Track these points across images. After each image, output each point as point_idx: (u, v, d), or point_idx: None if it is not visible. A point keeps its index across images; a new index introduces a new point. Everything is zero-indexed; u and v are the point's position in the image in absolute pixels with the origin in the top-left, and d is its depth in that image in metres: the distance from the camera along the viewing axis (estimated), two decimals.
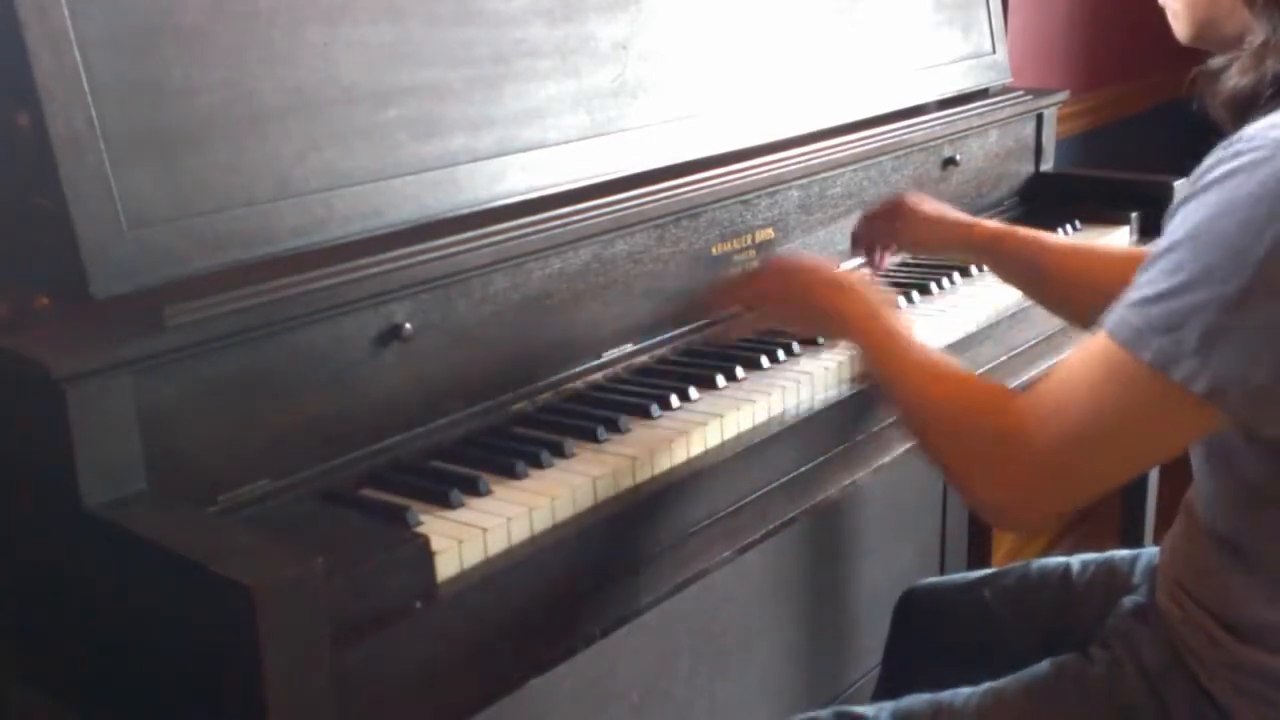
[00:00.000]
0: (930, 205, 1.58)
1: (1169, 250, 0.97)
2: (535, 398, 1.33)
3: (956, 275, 1.72)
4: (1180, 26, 1.18)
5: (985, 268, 1.65)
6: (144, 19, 1.09)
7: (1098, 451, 1.01)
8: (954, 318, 1.60)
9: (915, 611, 1.58)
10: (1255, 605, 1.11)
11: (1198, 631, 1.15)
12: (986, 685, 1.26)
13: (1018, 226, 1.56)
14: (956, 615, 1.51)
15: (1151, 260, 0.99)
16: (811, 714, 1.30)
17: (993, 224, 1.58)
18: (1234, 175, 0.94)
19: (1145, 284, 0.98)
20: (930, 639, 1.55)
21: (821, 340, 1.47)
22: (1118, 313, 0.99)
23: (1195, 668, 1.15)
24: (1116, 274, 1.07)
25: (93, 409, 0.99)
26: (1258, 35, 1.04)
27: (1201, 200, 0.96)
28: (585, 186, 1.40)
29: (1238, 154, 0.96)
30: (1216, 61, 1.09)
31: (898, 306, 1.27)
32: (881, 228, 1.60)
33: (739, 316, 1.46)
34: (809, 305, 1.30)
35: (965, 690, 1.26)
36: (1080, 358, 1.02)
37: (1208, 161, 0.98)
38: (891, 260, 1.69)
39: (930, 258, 1.77)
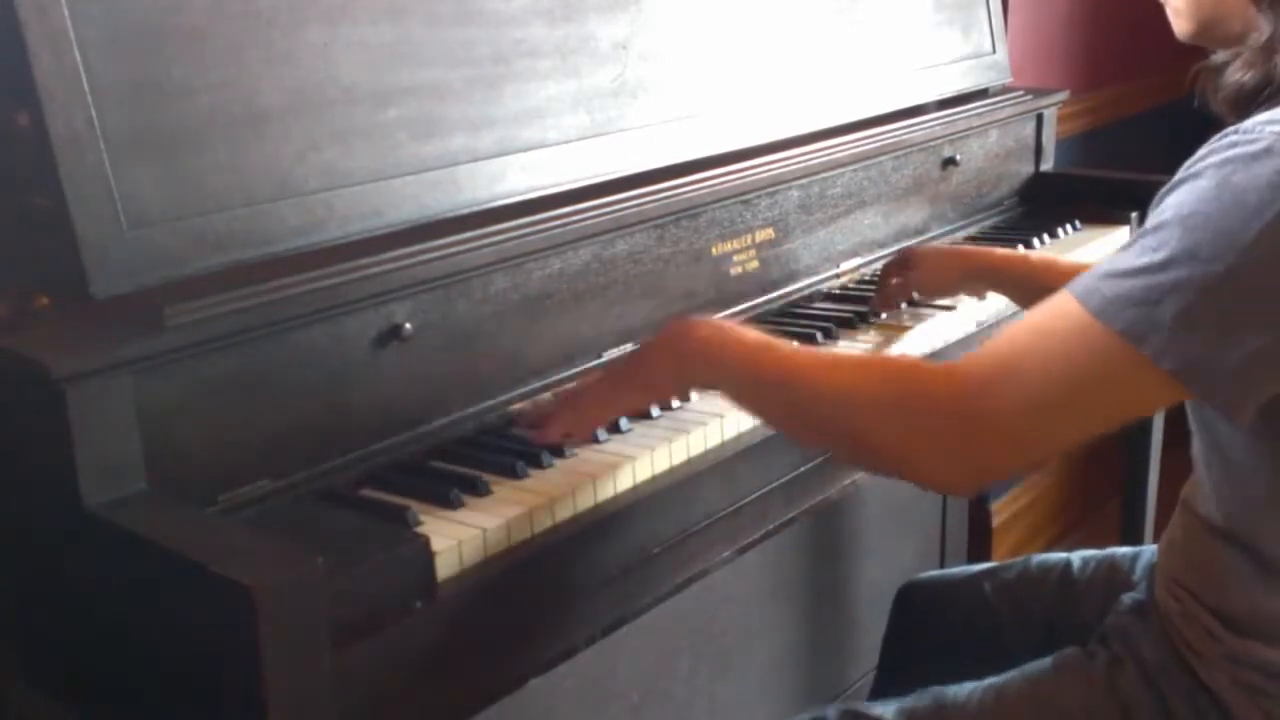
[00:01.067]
0: (932, 247, 1.59)
1: (1155, 229, 0.97)
2: (535, 398, 1.33)
3: None
4: (1181, 24, 1.18)
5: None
6: (144, 19, 1.09)
7: (1059, 415, 0.99)
8: (954, 317, 1.60)
9: (915, 603, 1.58)
10: (1254, 597, 1.11)
11: (1196, 626, 1.15)
12: (989, 681, 1.26)
13: (1027, 253, 1.57)
14: (956, 608, 1.51)
15: (1135, 237, 0.99)
16: (818, 711, 1.30)
17: (1001, 251, 1.59)
18: (1228, 164, 0.95)
19: (1124, 258, 0.98)
20: (929, 631, 1.54)
21: (821, 341, 1.47)
22: (1088, 281, 0.99)
23: (1194, 662, 1.15)
24: None
25: (93, 409, 0.99)
26: (1263, 32, 1.04)
27: (1193, 185, 0.97)
28: (585, 186, 1.40)
29: (1233, 144, 0.96)
30: (1219, 57, 1.09)
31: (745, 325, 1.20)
32: (897, 284, 1.61)
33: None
34: (656, 367, 1.21)
35: (968, 686, 1.26)
36: (1039, 323, 1.00)
37: (1201, 150, 0.99)
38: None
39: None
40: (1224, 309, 0.93)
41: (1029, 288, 1.51)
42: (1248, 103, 1.04)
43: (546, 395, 1.33)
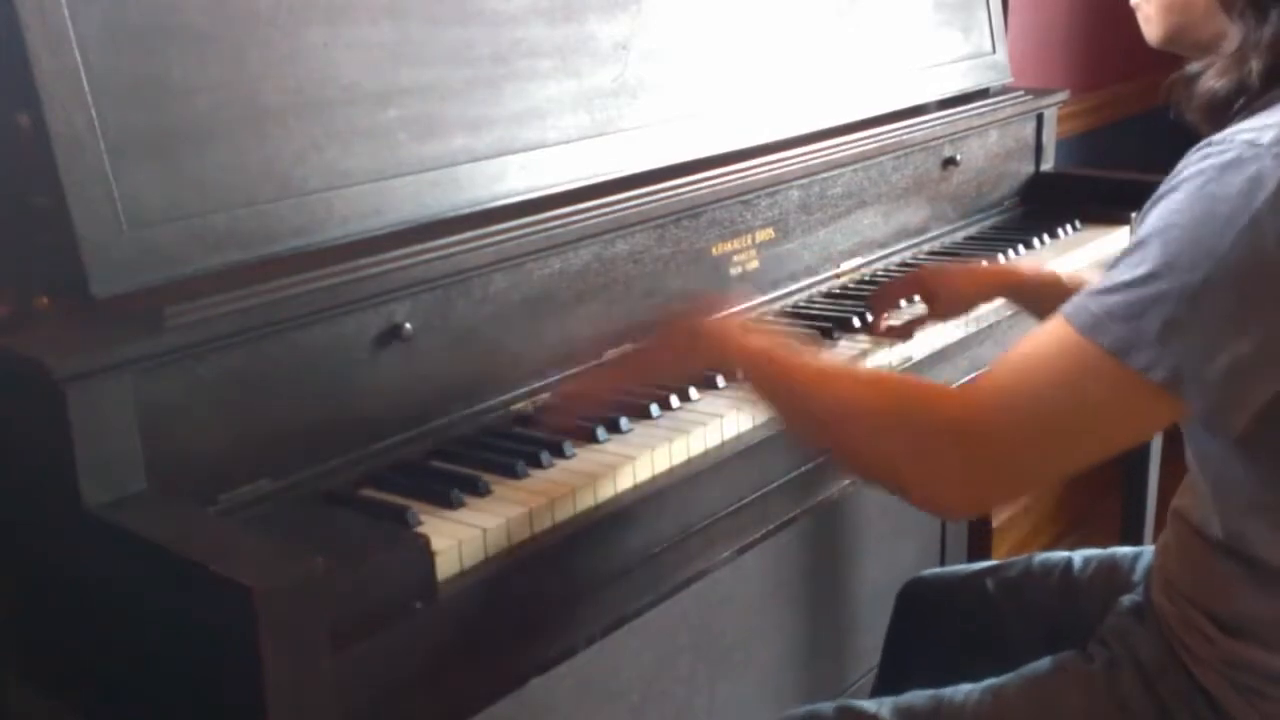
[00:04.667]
0: (952, 268, 1.57)
1: (1137, 245, 0.98)
2: (535, 398, 1.33)
3: None
4: (1152, 30, 1.18)
5: None
6: (144, 19, 1.09)
7: (1054, 438, 1.00)
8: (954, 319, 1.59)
9: (918, 600, 1.58)
10: (1249, 602, 1.11)
11: (1192, 629, 1.15)
12: (987, 682, 1.26)
13: (1040, 267, 1.55)
14: (958, 605, 1.51)
15: (1120, 254, 1.00)
16: (814, 707, 1.30)
17: (1023, 266, 1.56)
18: (1201, 175, 0.96)
19: (1109, 275, 0.99)
20: (932, 628, 1.55)
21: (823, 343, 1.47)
22: (1077, 301, 0.99)
23: (1191, 665, 1.15)
24: None
25: (93, 409, 0.99)
26: (1233, 39, 1.05)
27: (1171, 199, 0.98)
28: (585, 186, 1.40)
29: (1206, 155, 0.97)
30: (1193, 67, 1.09)
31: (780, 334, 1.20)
32: (902, 320, 1.58)
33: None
34: (691, 352, 1.22)
35: (966, 687, 1.26)
36: (1034, 345, 1.01)
37: (1179, 164, 1.00)
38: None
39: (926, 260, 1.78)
40: (1205, 318, 0.94)
41: (1050, 302, 1.49)
42: (1221, 111, 1.05)
43: (547, 396, 1.33)
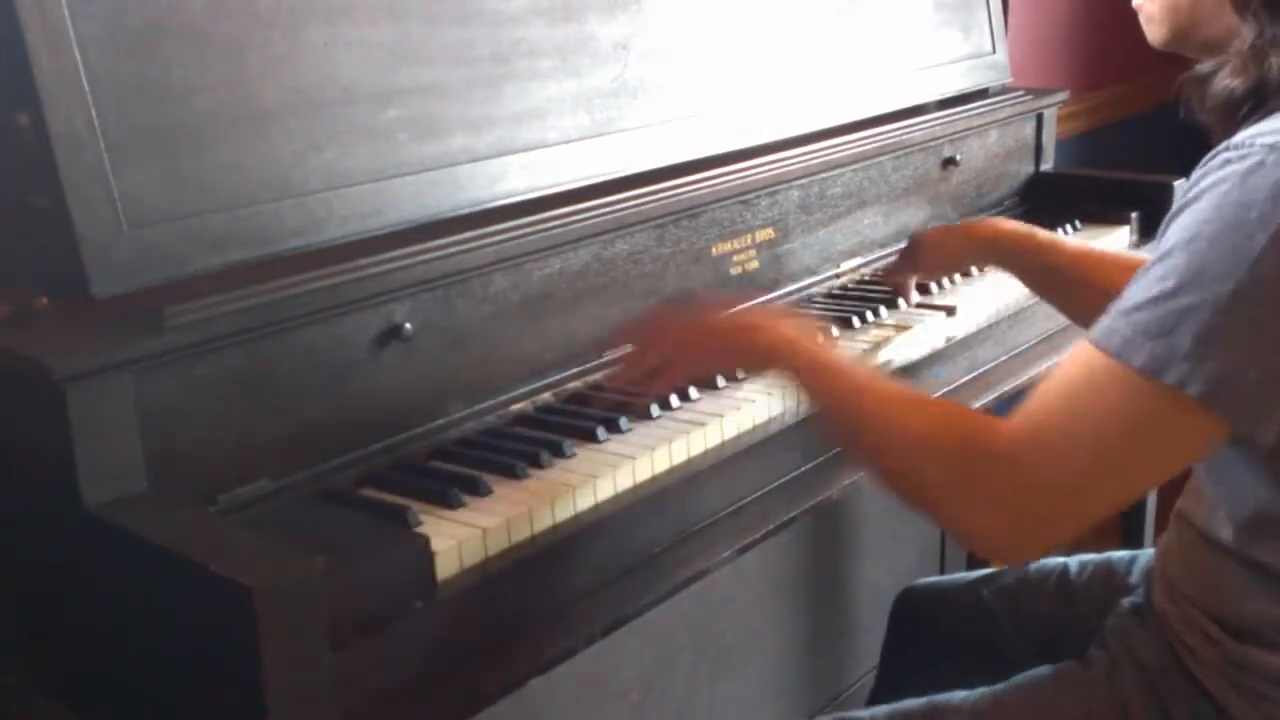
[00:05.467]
0: (942, 226, 1.58)
1: (1161, 259, 0.96)
2: (535, 398, 1.33)
3: (957, 275, 1.72)
4: (1155, 30, 1.17)
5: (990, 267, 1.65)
6: (144, 19, 1.09)
7: (1102, 471, 0.96)
8: (954, 317, 1.59)
9: (913, 610, 1.58)
10: (1255, 605, 1.11)
11: (1195, 631, 1.15)
12: (983, 689, 1.25)
13: (1034, 227, 1.53)
14: (955, 614, 1.51)
15: (1143, 271, 0.97)
16: None
17: (1011, 224, 1.55)
18: (1224, 183, 0.94)
19: (1134, 293, 0.96)
20: (928, 638, 1.54)
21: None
22: (1104, 323, 0.97)
23: (1193, 667, 1.15)
24: (1126, 278, 1.05)
25: (93, 409, 0.99)
26: (1245, 38, 1.02)
27: (1193, 209, 0.96)
28: (585, 186, 1.40)
29: (1226, 162, 0.95)
30: (1204, 67, 1.07)
31: (824, 334, 1.17)
32: (907, 267, 1.62)
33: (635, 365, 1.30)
34: (730, 348, 1.21)
35: (962, 693, 1.26)
36: (1067, 372, 0.98)
37: (1195, 174, 0.98)
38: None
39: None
40: (1240, 327, 0.91)
41: (1033, 264, 1.49)
42: (1238, 110, 1.02)
43: (547, 395, 1.33)
